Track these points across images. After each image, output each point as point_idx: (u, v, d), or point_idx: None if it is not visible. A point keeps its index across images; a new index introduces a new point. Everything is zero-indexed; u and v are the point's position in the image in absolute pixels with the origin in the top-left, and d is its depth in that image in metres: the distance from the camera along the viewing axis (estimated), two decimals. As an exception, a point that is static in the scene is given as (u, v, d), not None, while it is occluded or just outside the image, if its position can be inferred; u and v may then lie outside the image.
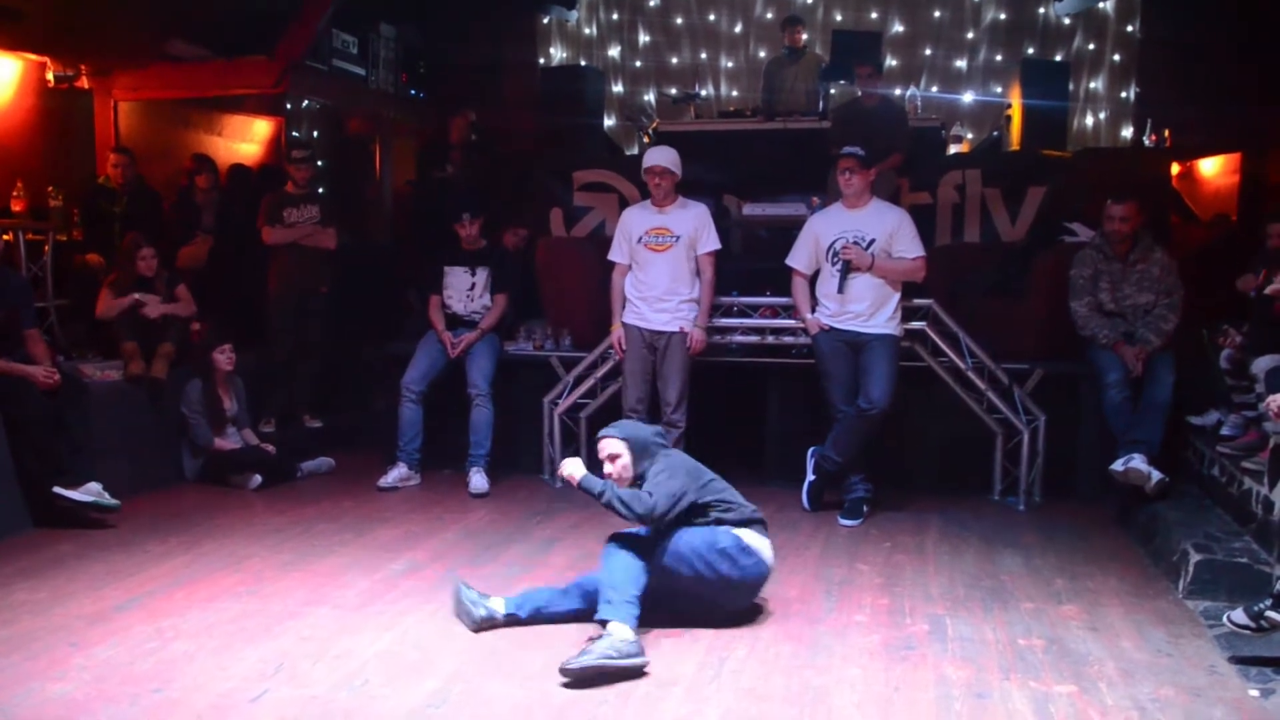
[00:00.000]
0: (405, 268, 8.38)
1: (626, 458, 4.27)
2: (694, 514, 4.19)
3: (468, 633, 4.15)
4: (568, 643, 4.01)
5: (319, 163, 10.12)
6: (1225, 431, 5.64)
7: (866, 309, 5.82)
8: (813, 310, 6.00)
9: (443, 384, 6.70)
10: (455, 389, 6.66)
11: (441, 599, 4.52)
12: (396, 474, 6.52)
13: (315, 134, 10.42)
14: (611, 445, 4.30)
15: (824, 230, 5.94)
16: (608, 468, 4.28)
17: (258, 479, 6.49)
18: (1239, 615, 3.90)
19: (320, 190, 9.55)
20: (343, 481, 6.72)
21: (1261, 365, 4.89)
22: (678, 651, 3.97)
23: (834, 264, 5.87)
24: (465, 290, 6.74)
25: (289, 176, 7.45)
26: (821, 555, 5.24)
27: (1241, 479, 5.07)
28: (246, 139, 9.93)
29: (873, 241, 5.80)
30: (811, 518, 5.95)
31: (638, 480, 4.25)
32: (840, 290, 5.81)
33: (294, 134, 9.87)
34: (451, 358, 6.60)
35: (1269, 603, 3.81)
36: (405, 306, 8.01)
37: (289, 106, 9.80)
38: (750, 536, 4.23)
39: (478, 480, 6.41)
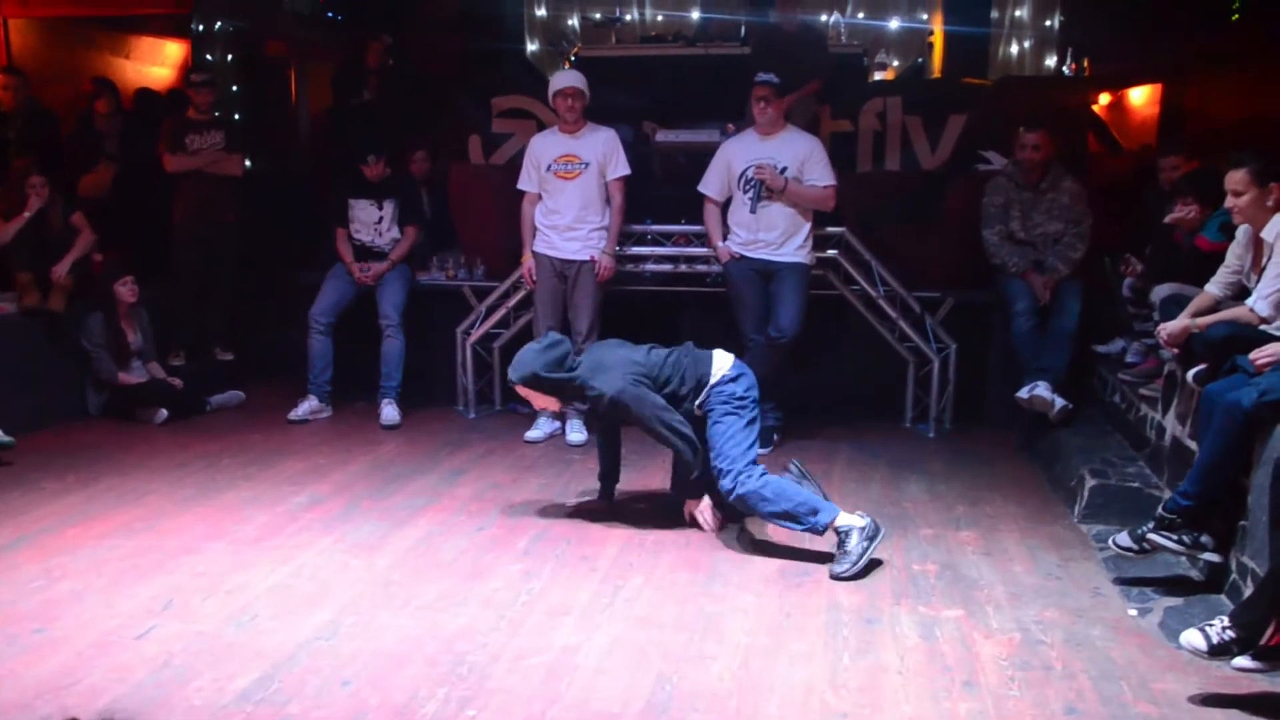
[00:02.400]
0: (324, 195, 8.19)
1: (537, 398, 4.55)
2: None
3: (364, 564, 4.12)
4: (462, 575, 4.02)
5: (233, 88, 9.83)
6: (1129, 359, 5.72)
7: (778, 237, 5.80)
8: (725, 238, 5.96)
9: (355, 315, 6.59)
10: (368, 320, 6.55)
11: (342, 530, 4.50)
12: (307, 407, 6.43)
13: (229, 57, 10.07)
14: (522, 391, 4.53)
15: (736, 157, 5.88)
16: (538, 405, 4.67)
17: (164, 413, 6.35)
18: (1123, 538, 3.99)
19: (235, 116, 9.29)
20: (252, 415, 6.61)
21: (1159, 293, 4.95)
22: (574, 580, 3.98)
23: (746, 191, 5.83)
24: (373, 223, 6.62)
25: (190, 101, 7.20)
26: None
27: (1139, 405, 5.17)
28: (156, 62, 9.59)
29: (784, 169, 5.76)
30: (722, 447, 5.95)
31: (576, 390, 4.46)
32: (753, 212, 5.79)
33: (207, 57, 9.53)
34: (360, 286, 6.49)
35: (1151, 525, 3.90)
36: (323, 235, 7.83)
37: (200, 28, 9.45)
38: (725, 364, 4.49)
39: (388, 412, 6.35)
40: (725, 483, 4.24)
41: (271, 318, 7.63)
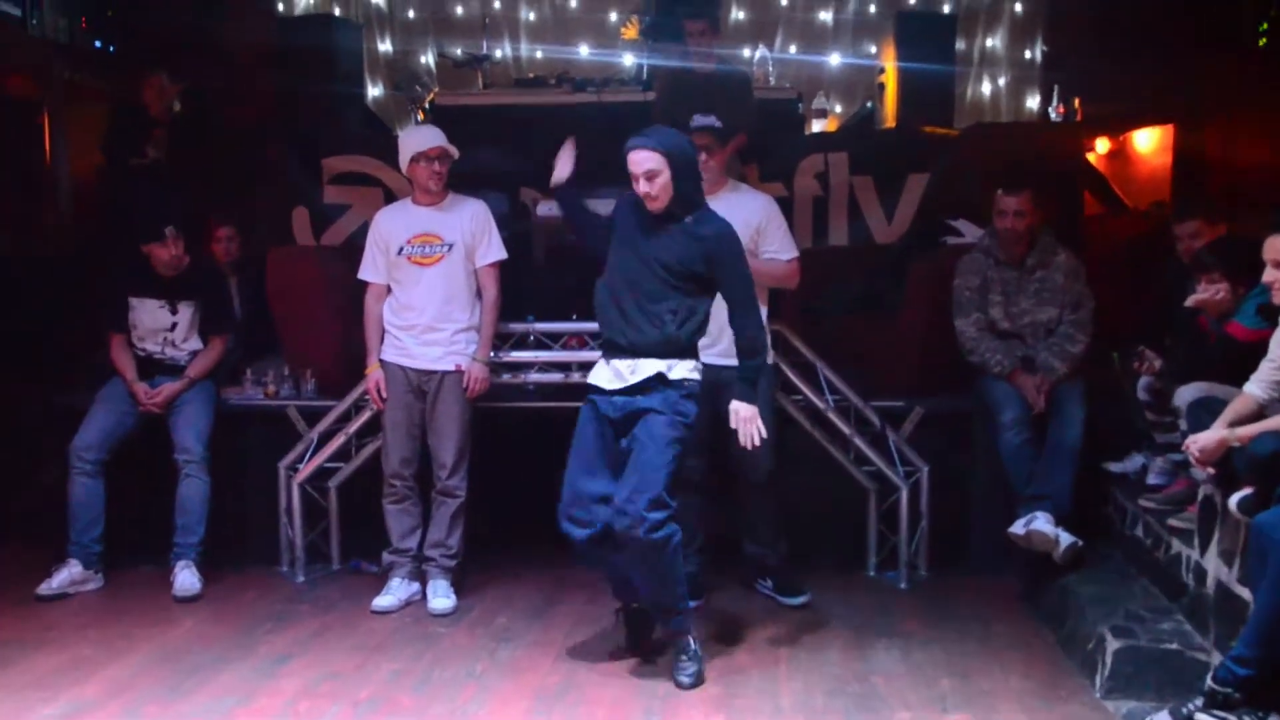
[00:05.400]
0: (94, 287, 8.01)
1: (666, 175, 4.65)
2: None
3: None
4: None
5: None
6: (1151, 480, 5.85)
7: (715, 330, 5.27)
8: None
9: (139, 448, 6.46)
10: (158, 453, 6.43)
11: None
12: (66, 575, 6.21)
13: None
14: (648, 160, 4.65)
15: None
16: (643, 186, 4.65)
17: None
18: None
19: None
20: (-10, 590, 6.34)
21: (1184, 396, 5.05)
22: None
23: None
24: (162, 330, 6.53)
25: None
26: (642, 657, 5.18)
27: (1169, 540, 5.25)
28: None
29: None
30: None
31: (681, 201, 4.72)
32: None
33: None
34: (145, 413, 6.36)
35: (1200, 703, 3.93)
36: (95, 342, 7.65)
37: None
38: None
39: (186, 578, 6.18)
40: (640, 508, 4.59)
41: (19, 455, 7.37)
